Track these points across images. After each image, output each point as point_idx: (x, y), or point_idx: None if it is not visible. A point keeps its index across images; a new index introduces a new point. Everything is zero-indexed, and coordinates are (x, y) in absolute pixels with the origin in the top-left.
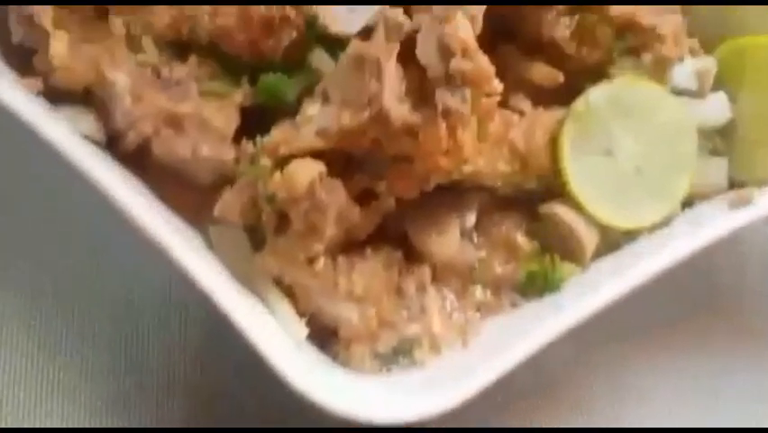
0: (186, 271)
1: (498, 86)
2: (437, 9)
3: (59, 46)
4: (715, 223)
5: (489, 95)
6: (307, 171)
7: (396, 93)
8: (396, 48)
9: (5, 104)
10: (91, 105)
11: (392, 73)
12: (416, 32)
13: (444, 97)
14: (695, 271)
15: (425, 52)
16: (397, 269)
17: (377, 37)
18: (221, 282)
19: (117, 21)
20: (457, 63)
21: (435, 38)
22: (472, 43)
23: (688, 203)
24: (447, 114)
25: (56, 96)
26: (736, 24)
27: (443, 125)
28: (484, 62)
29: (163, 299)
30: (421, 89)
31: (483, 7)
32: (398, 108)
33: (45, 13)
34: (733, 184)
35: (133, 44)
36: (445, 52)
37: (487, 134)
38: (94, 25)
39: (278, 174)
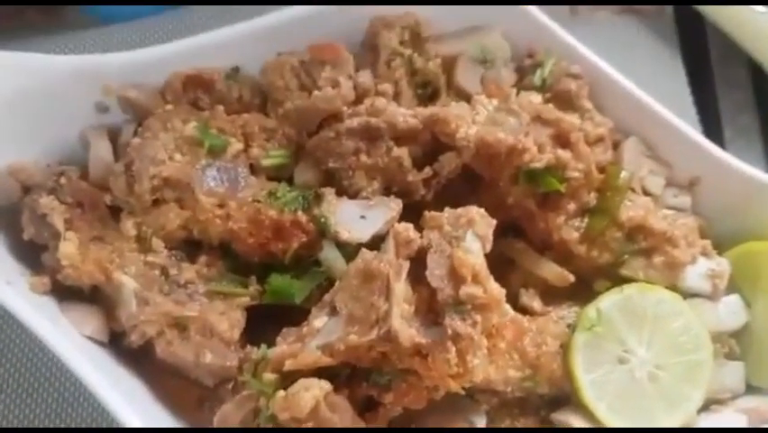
0: None
1: (508, 310)
2: (447, 226)
3: (69, 246)
4: None
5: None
6: (312, 393)
7: (405, 313)
8: (405, 266)
9: (14, 313)
10: (97, 300)
11: (401, 292)
12: (426, 248)
13: (454, 322)
14: None
15: (435, 275)
16: None
17: (386, 250)
18: None
19: (129, 222)
20: (467, 289)
21: (445, 261)
22: (482, 269)
23: (704, 406)
24: (457, 339)
25: (63, 289)
26: (748, 228)
27: (452, 350)
28: (495, 289)
29: None
30: (430, 309)
31: (493, 224)
32: (407, 330)
33: (57, 213)
34: (750, 387)
35: (143, 244)
36: (455, 277)
37: (497, 351)
38: (104, 225)
39: (281, 393)
